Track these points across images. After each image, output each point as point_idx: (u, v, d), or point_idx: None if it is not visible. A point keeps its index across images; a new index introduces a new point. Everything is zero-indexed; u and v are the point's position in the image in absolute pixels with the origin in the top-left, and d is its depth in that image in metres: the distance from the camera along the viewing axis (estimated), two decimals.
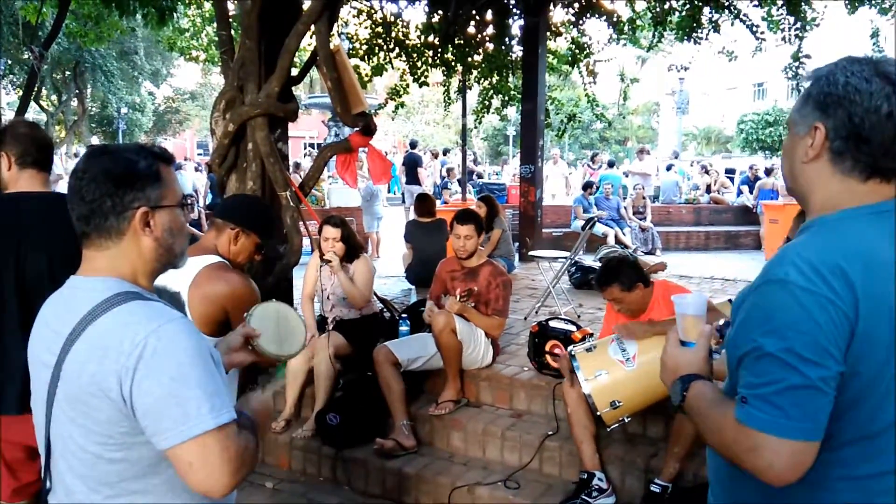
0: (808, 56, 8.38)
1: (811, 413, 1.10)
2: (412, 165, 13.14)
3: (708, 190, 14.63)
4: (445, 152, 18.99)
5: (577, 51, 9.64)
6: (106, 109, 29.01)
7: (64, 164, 18.11)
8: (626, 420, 3.22)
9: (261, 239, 2.46)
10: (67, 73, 25.35)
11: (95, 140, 28.72)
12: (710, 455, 1.39)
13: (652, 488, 3.17)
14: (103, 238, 1.32)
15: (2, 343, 2.33)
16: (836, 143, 1.19)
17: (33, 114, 27.92)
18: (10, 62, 18.58)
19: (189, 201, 8.90)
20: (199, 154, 36.27)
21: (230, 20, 4.85)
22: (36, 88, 15.52)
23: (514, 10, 9.09)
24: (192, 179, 13.28)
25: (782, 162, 1.34)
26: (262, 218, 2.52)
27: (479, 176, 17.38)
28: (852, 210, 1.20)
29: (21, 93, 12.99)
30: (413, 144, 15.08)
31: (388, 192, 17.85)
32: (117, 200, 1.30)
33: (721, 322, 2.24)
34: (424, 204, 6.89)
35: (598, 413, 3.14)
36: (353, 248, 4.33)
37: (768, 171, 13.60)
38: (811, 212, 1.26)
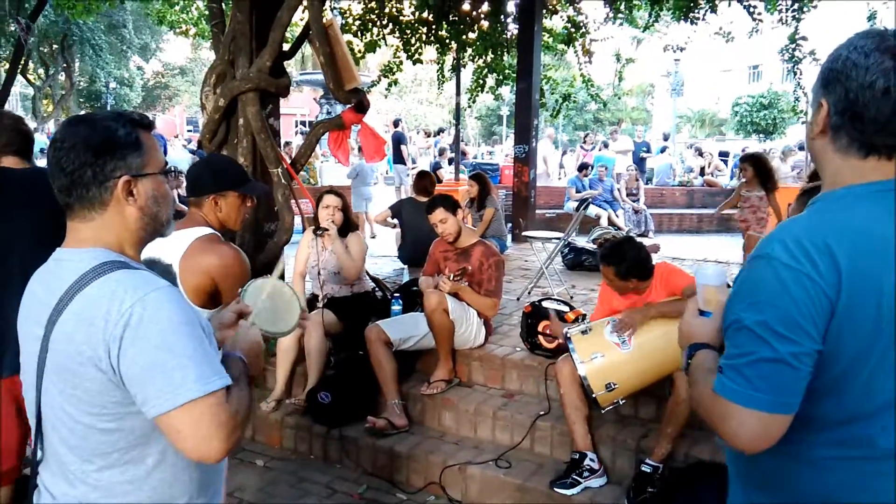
0: (804, 38, 8.31)
1: (778, 387, 1.11)
2: (396, 144, 12.99)
3: (702, 172, 14.64)
4: (440, 132, 18.76)
5: (572, 29, 9.54)
6: (94, 84, 28.64)
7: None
8: (622, 402, 3.23)
9: (238, 190, 2.38)
10: (55, 46, 24.92)
11: None
12: None
13: (643, 468, 3.17)
14: (86, 209, 1.30)
15: None
16: (834, 118, 1.18)
17: (20, 87, 27.62)
18: None
19: (175, 171, 8.77)
20: (189, 130, 35.95)
21: None
22: (22, 62, 15.24)
23: None
24: (185, 158, 13.09)
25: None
26: (224, 173, 2.42)
27: (465, 155, 17.26)
28: (856, 187, 1.18)
29: (7, 66, 12.76)
30: (396, 123, 14.85)
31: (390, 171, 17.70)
32: (98, 170, 1.27)
33: None
34: (422, 181, 6.72)
35: (594, 395, 3.14)
36: (348, 223, 4.33)
37: None
38: (823, 187, 1.26)
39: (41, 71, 26.39)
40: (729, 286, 1.31)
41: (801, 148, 12.75)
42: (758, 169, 6.35)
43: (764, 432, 1.12)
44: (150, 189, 1.34)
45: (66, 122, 1.33)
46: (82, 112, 29.03)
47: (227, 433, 1.22)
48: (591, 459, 3.27)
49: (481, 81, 10.34)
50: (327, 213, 4.21)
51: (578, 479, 3.22)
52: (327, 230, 4.15)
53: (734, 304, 1.19)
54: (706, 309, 1.40)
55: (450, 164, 12.95)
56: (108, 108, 27.91)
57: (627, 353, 3.13)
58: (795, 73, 8.67)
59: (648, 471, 3.15)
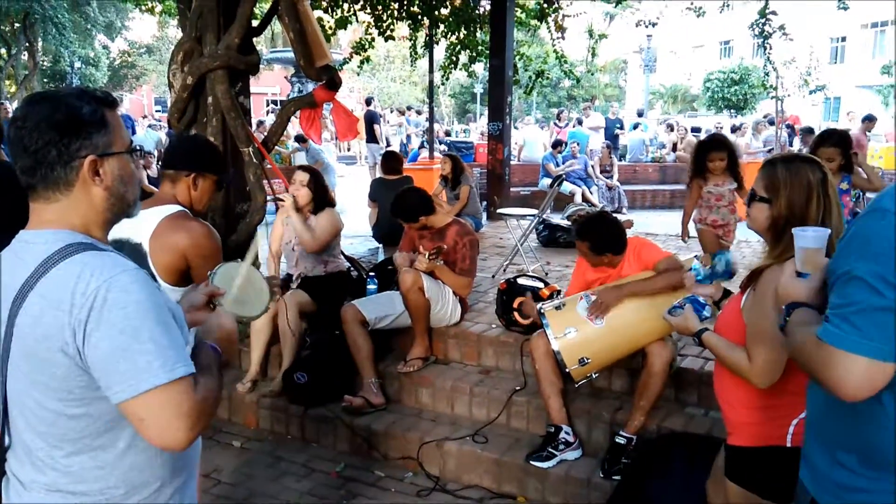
0: (774, 13, 8.36)
1: (888, 334, 1.12)
2: (370, 123, 12.89)
3: (674, 148, 14.73)
4: (409, 109, 18.64)
5: (545, 5, 9.49)
6: (58, 63, 27.88)
7: None
8: (594, 376, 3.27)
9: (217, 175, 2.40)
10: (16, 24, 24.22)
11: None
12: (809, 399, 1.45)
13: (617, 440, 3.23)
14: (51, 190, 1.26)
15: None
16: None
17: None
18: None
19: (140, 151, 8.64)
20: (158, 111, 35.29)
21: None
22: None
23: None
24: (155, 137, 12.84)
25: None
26: (212, 155, 2.45)
27: (448, 134, 17.20)
28: None
29: None
30: (369, 101, 14.75)
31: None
32: (63, 150, 1.24)
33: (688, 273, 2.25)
34: (390, 161, 6.79)
35: (567, 370, 3.17)
36: (321, 200, 4.23)
37: (734, 129, 13.71)
38: None
39: (3, 50, 25.65)
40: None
41: (771, 123, 12.89)
42: (732, 157, 4.50)
43: (872, 379, 1.14)
44: (117, 169, 1.31)
45: (27, 99, 1.29)
46: None
47: (191, 422, 1.20)
48: (567, 433, 3.32)
49: (454, 58, 10.25)
50: (293, 188, 4.16)
51: (554, 452, 3.27)
52: (282, 200, 4.09)
53: (845, 257, 1.20)
54: (804, 270, 1.44)
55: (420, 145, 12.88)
56: None
57: (599, 327, 3.17)
58: (765, 48, 8.72)
59: (622, 443, 3.21)
